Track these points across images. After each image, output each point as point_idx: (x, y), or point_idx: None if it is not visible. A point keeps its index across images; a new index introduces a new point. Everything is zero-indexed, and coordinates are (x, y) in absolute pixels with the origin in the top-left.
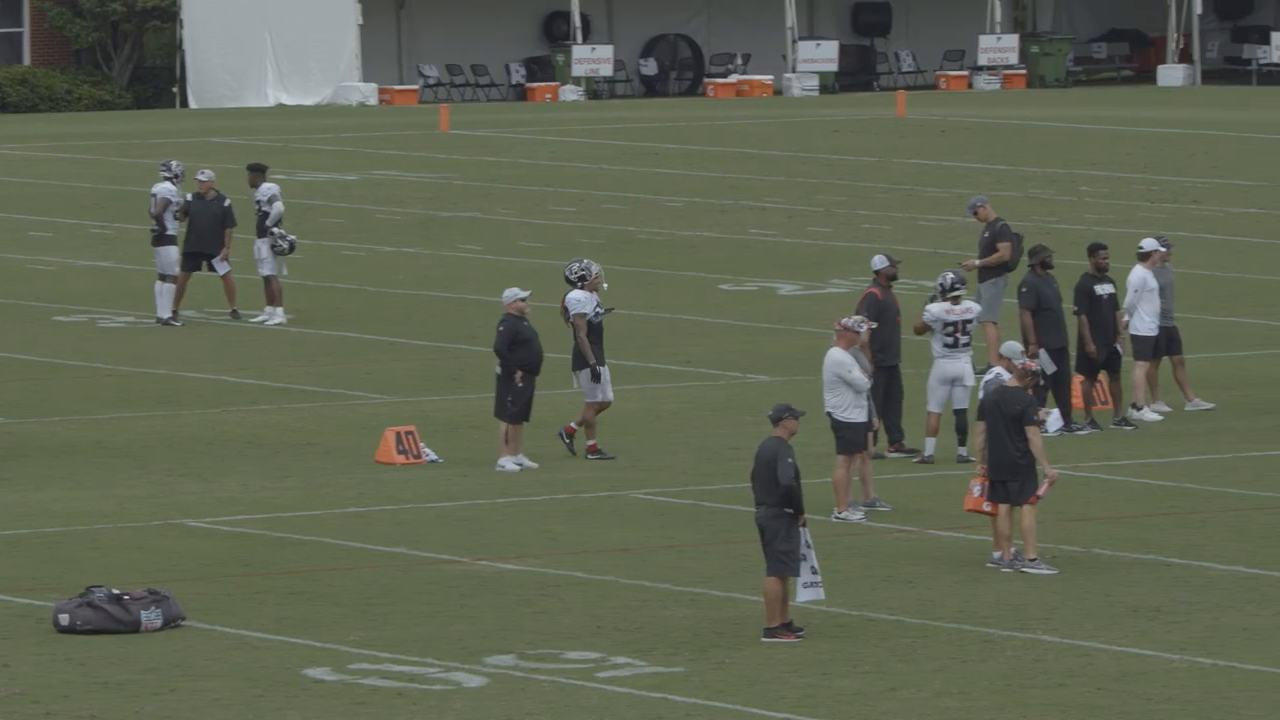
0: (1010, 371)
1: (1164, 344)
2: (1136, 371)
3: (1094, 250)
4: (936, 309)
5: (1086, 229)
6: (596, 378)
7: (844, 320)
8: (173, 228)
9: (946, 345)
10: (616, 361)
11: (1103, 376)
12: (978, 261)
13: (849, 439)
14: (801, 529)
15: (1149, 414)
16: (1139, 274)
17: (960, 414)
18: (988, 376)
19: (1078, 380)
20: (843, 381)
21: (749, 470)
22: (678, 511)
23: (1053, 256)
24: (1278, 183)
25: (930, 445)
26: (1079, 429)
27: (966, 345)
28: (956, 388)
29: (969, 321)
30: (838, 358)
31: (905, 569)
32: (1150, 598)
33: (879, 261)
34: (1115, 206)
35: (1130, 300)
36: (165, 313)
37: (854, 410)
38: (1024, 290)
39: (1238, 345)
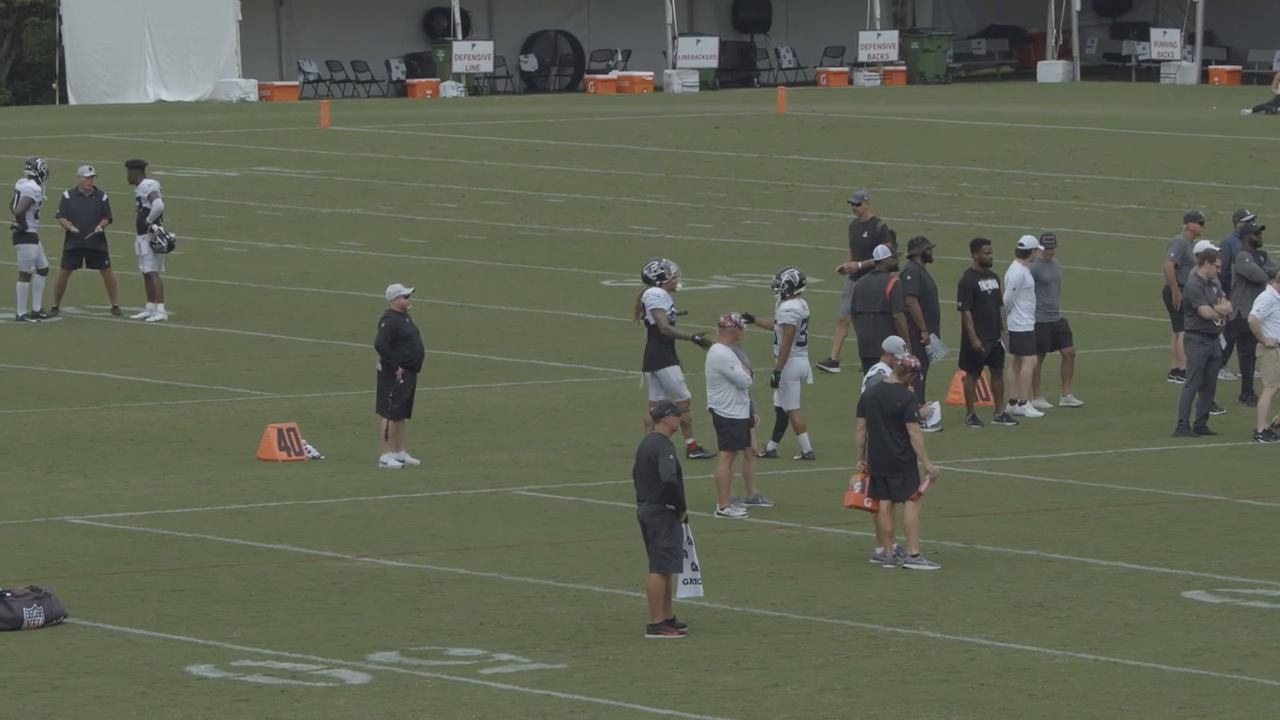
0: (891, 367)
1: (1049, 339)
2: (1023, 367)
3: (977, 245)
4: (799, 306)
5: (967, 225)
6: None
7: (731, 316)
8: (33, 226)
9: (800, 344)
10: (498, 358)
11: (985, 373)
12: (860, 264)
13: (731, 435)
14: (683, 525)
15: (1030, 410)
16: (1017, 271)
17: (795, 414)
18: (870, 373)
19: (959, 376)
20: (725, 378)
21: (630, 467)
22: (560, 508)
23: (933, 250)
24: (1157, 179)
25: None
26: (935, 425)
27: (803, 345)
28: (795, 387)
29: (805, 321)
30: (720, 354)
31: (788, 565)
32: (1032, 593)
33: (882, 251)
34: (996, 203)
35: (1008, 297)
36: (24, 309)
37: (736, 407)
38: (908, 278)
39: (1118, 341)
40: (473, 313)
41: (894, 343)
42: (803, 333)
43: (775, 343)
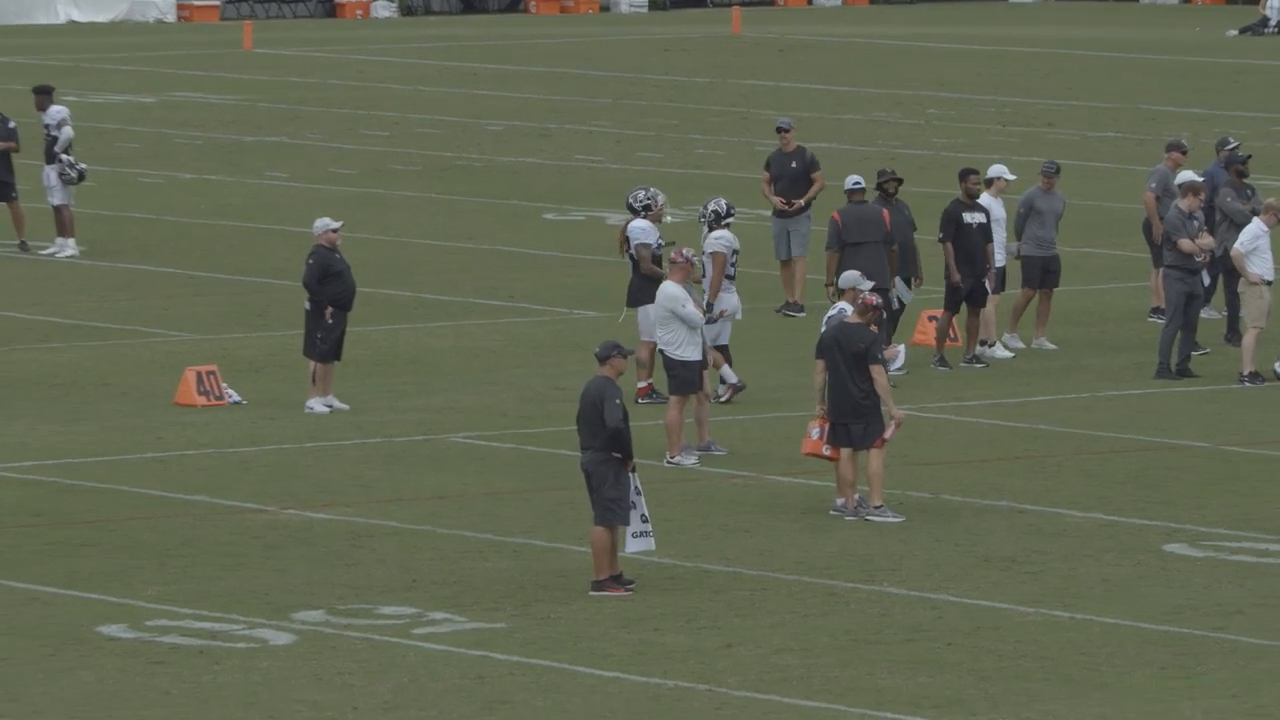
0: (852, 305)
1: (1038, 274)
2: (988, 306)
3: (965, 175)
4: (730, 237)
5: (934, 154)
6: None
7: (684, 251)
8: None
9: (729, 277)
10: (433, 296)
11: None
12: (801, 200)
13: (683, 378)
14: (631, 475)
15: (1000, 350)
16: (988, 202)
17: (725, 349)
18: (830, 312)
19: (924, 316)
20: (676, 317)
21: (574, 412)
22: (498, 456)
23: (896, 184)
24: (1136, 105)
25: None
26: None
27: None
28: (726, 323)
29: (736, 252)
30: (671, 291)
31: (742, 517)
32: (1003, 547)
33: (857, 180)
34: (965, 130)
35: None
36: None
37: (688, 348)
38: (908, 212)
39: (1094, 278)
40: (406, 248)
41: (852, 277)
42: (732, 264)
43: (704, 276)
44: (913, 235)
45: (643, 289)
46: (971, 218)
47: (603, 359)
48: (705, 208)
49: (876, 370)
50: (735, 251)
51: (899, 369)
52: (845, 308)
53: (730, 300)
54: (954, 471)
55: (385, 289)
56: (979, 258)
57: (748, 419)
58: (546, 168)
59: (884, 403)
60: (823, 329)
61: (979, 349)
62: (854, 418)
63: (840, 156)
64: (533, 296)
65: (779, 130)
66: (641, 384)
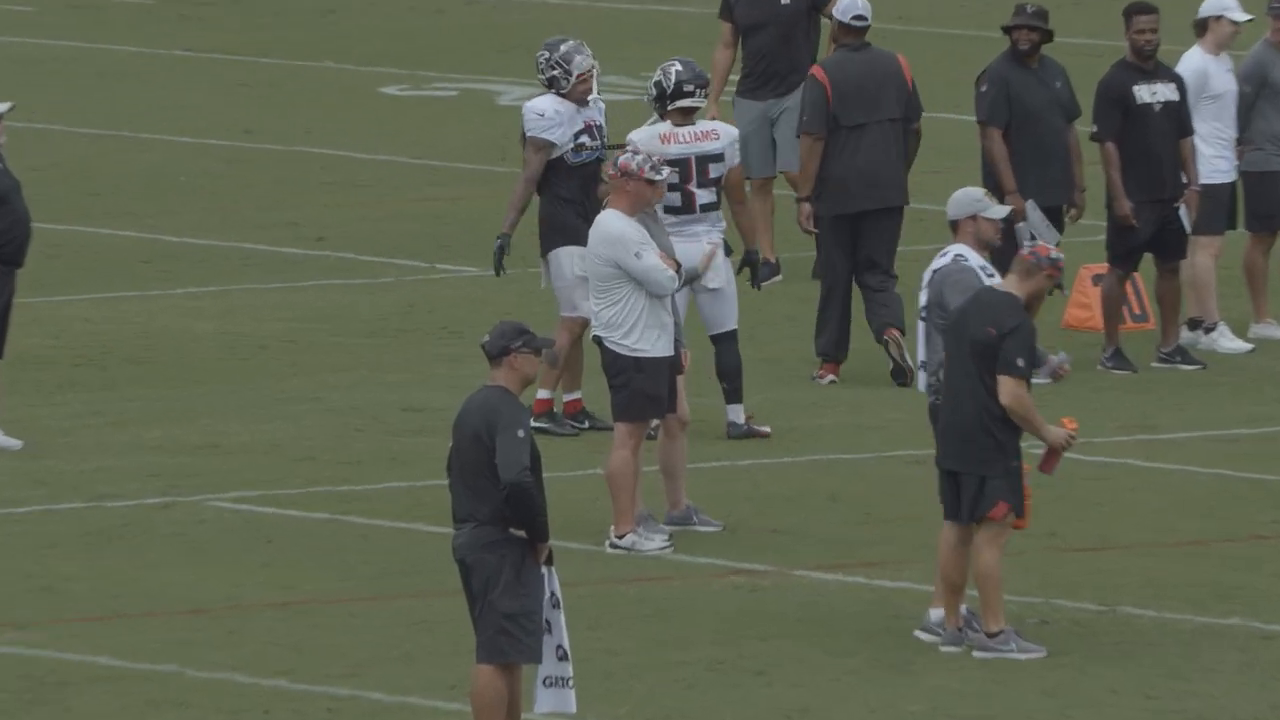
0: (975, 250)
1: (1275, 204)
2: (1203, 258)
3: (1134, 14)
4: (645, 135)
5: None
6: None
7: (634, 158)
8: None
9: (675, 211)
10: (182, 240)
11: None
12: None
13: (637, 391)
14: (545, 571)
15: (1225, 341)
16: (1195, 61)
17: (727, 345)
18: (939, 262)
19: (1087, 274)
20: (623, 274)
21: (442, 455)
22: (296, 535)
23: (1046, 17)
24: None
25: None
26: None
27: (713, 209)
28: (700, 294)
29: (716, 158)
30: (614, 229)
31: (749, 649)
32: (1244, 707)
33: (851, 6)
34: None
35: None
36: None
37: (647, 332)
38: (984, 88)
39: None
40: (135, 148)
41: (968, 199)
42: (682, 187)
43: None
44: (1070, 126)
45: (556, 222)
46: (1151, 93)
47: (496, 355)
48: (662, 75)
49: (1009, 387)
50: (710, 157)
51: (1048, 378)
52: (966, 254)
53: (696, 254)
54: (1142, 560)
55: (94, 226)
56: (1168, 169)
57: (756, 463)
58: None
59: (1031, 427)
60: (924, 289)
61: (1186, 334)
62: (967, 460)
63: None
64: (361, 239)
65: None
66: (566, 397)
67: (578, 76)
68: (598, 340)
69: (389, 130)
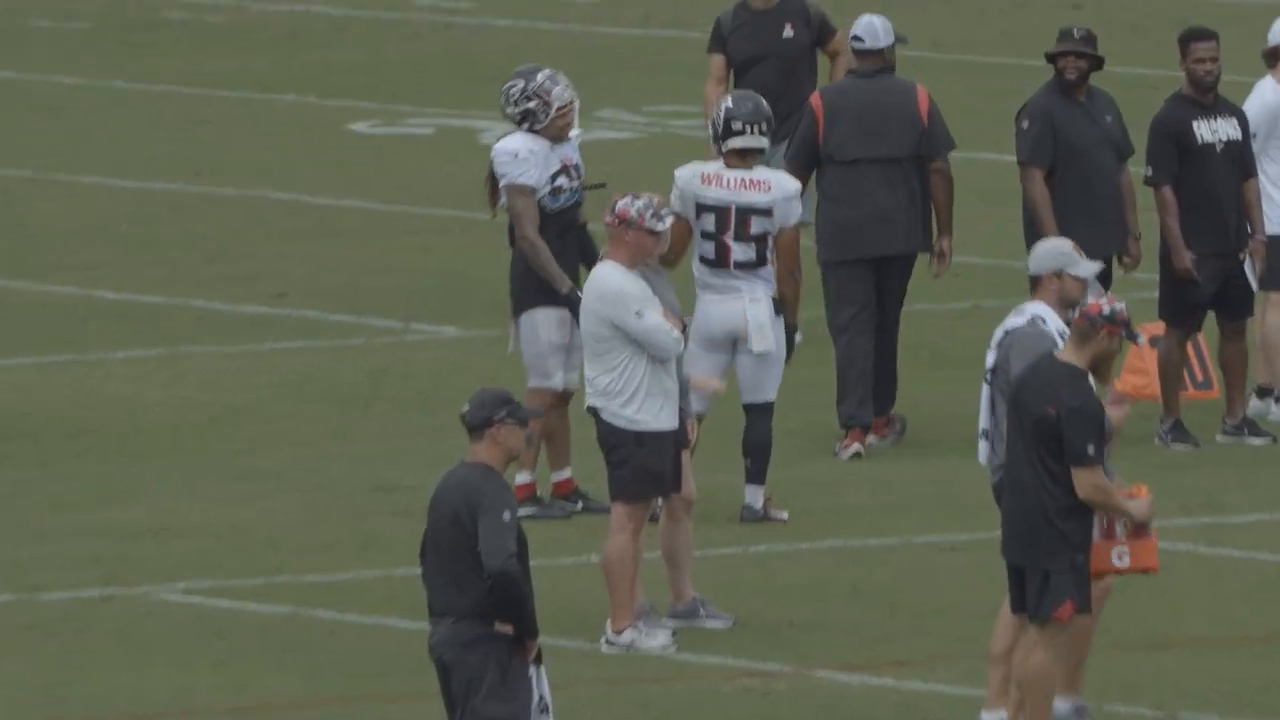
0: (1055, 310)
1: None
2: (1270, 315)
3: (1190, 42)
4: (688, 172)
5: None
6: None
7: (633, 203)
8: None
9: (709, 264)
10: (124, 297)
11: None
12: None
13: (639, 468)
14: (533, 670)
15: None
16: (1268, 93)
17: (760, 418)
18: (1013, 321)
19: (1147, 334)
20: (621, 334)
21: (417, 540)
22: (256, 632)
23: (1095, 43)
24: None
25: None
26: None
27: (751, 267)
28: (742, 356)
29: (762, 213)
30: (613, 285)
31: None
32: None
33: (875, 30)
34: None
35: (1260, 149)
36: None
37: (648, 402)
38: (1026, 124)
39: None
40: (69, 194)
41: (1054, 252)
42: (714, 237)
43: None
44: (1123, 166)
45: (531, 278)
46: (1212, 131)
47: (478, 427)
48: (726, 111)
49: (1084, 480)
50: (753, 210)
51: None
52: (1042, 313)
53: (727, 312)
54: (1205, 659)
55: (25, 280)
56: (1231, 217)
57: (771, 549)
58: (349, 21)
59: (1115, 513)
60: (992, 349)
61: (1255, 404)
62: (1029, 553)
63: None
64: (327, 295)
65: None
66: (555, 476)
67: (557, 110)
68: (593, 411)
69: (358, 172)
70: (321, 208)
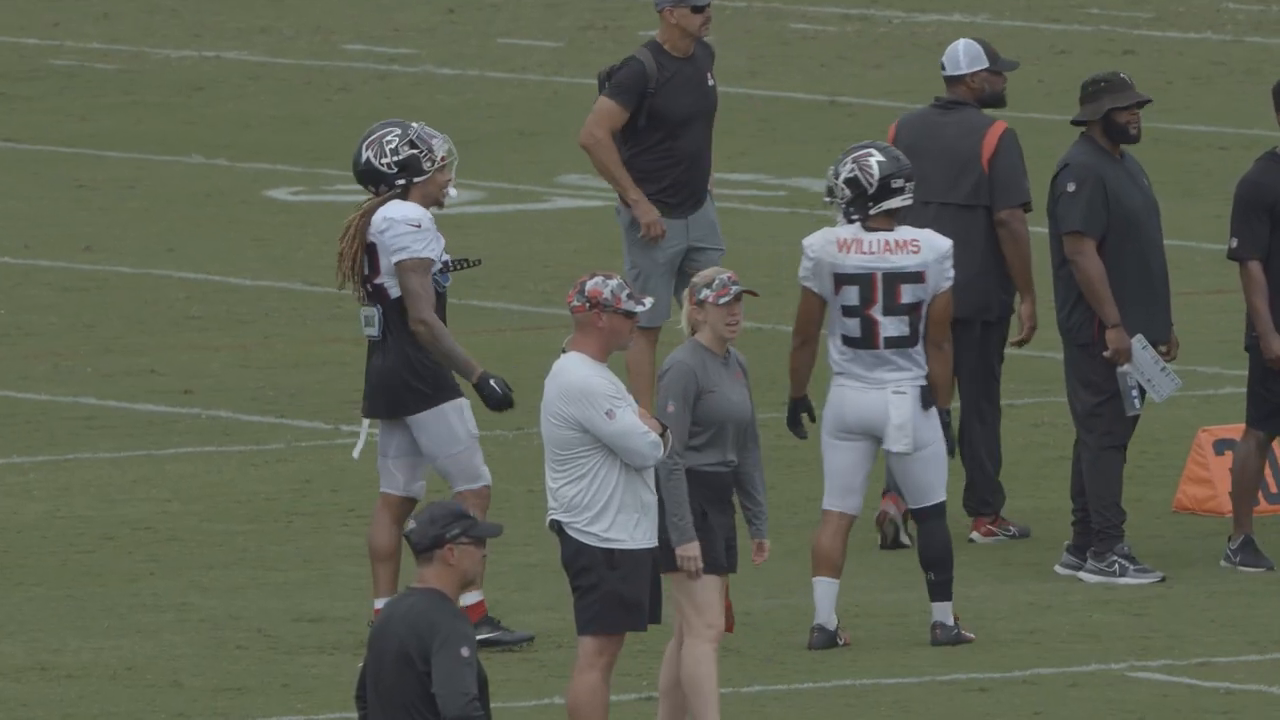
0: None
1: None
2: None
3: None
4: (820, 240)
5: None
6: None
7: (605, 283)
8: None
9: (853, 344)
10: None
11: None
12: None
13: (611, 596)
14: None
15: None
16: None
17: (930, 524)
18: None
19: (1206, 439)
20: (594, 443)
21: (354, 680)
22: None
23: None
24: None
25: (826, 599)
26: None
27: (904, 345)
28: (892, 459)
29: (912, 278)
30: (579, 380)
31: None
32: None
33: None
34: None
35: None
36: None
37: (619, 518)
38: (1073, 187)
39: None
40: None
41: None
42: (858, 312)
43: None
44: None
45: (428, 369)
46: None
47: (426, 548)
48: (851, 175)
49: None
50: (904, 276)
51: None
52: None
53: (872, 409)
54: None
55: None
56: None
57: (764, 690)
58: (265, 69)
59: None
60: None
61: None
62: None
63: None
64: (241, 393)
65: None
66: (473, 598)
67: (440, 159)
68: (556, 526)
69: (277, 247)
70: (234, 289)
